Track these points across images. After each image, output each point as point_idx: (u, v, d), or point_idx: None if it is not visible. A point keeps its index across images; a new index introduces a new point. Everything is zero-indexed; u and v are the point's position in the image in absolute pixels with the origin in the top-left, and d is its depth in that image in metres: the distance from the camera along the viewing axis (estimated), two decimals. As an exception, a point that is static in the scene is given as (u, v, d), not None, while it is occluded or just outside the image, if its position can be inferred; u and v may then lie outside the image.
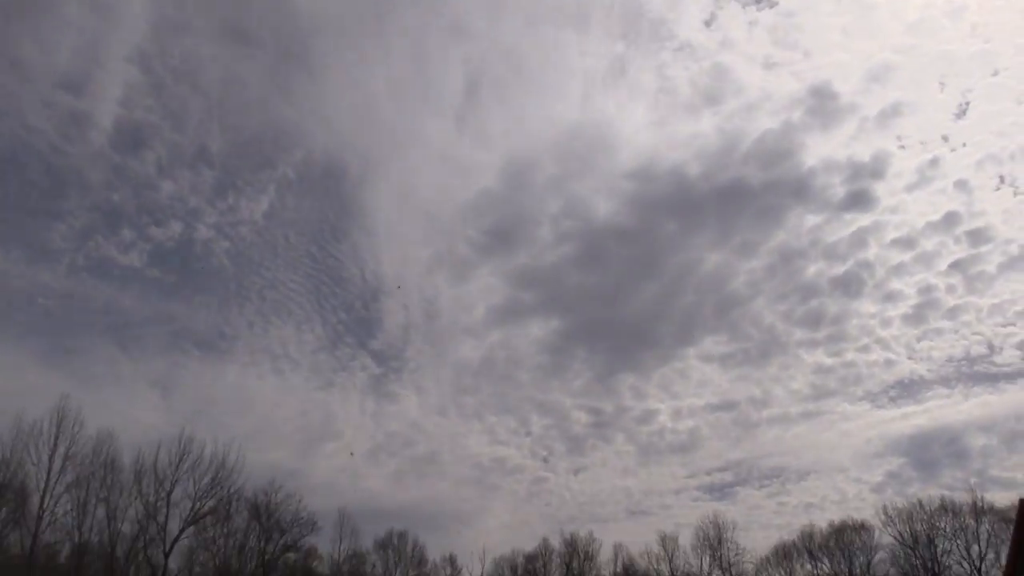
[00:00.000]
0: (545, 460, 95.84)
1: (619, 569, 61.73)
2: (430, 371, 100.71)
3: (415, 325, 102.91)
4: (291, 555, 58.63)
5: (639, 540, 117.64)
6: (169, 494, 54.19)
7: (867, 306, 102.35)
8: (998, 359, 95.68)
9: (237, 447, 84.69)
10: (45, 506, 50.26)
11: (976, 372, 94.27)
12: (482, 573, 62.48)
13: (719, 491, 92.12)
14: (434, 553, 67.66)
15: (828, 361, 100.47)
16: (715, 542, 60.49)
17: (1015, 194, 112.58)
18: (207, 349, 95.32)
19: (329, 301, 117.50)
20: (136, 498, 53.44)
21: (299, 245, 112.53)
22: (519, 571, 61.95)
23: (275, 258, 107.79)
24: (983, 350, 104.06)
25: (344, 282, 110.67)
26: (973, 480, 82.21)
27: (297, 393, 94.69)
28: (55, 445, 51.29)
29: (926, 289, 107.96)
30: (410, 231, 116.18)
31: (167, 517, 53.75)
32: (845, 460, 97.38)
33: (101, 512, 52.43)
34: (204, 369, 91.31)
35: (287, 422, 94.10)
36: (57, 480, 50.93)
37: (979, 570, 54.34)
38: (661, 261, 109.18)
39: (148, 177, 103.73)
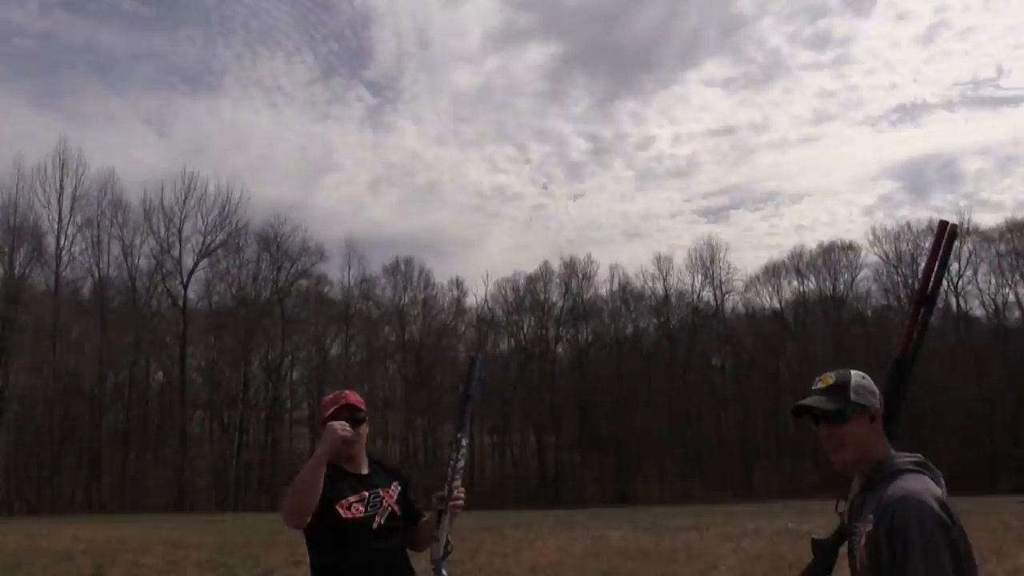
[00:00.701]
0: (544, 187, 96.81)
1: (615, 288, 65.28)
2: (427, 101, 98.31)
3: (408, 54, 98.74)
4: (303, 282, 61.58)
5: (635, 261, 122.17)
6: (180, 230, 56.00)
7: (877, 27, 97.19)
8: (1004, 82, 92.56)
9: (240, 183, 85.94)
10: (61, 246, 52.28)
11: (980, 96, 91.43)
12: (486, 294, 66.02)
13: (714, 214, 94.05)
14: (440, 277, 70.84)
15: (831, 85, 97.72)
16: (708, 262, 63.09)
17: None
18: (197, 85, 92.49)
19: (318, 30, 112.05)
20: (148, 235, 55.40)
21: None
22: (521, 291, 65.50)
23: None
24: (991, 73, 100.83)
25: (331, 9, 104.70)
26: (962, 203, 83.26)
27: (294, 127, 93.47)
28: (61, 187, 52.11)
29: (941, 8, 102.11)
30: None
31: (180, 252, 56.02)
32: (839, 184, 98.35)
33: (116, 249, 54.56)
34: (197, 106, 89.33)
35: (286, 156, 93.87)
36: (68, 221, 52.41)
37: (956, 286, 57.50)
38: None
39: None
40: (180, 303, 55.82)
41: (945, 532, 2.01)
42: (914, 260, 56.49)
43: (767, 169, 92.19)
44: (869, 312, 60.66)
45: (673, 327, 63.22)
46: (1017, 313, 57.60)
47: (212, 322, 56.62)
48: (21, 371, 50.90)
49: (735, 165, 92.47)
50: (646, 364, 61.32)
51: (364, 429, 3.25)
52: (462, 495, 3.22)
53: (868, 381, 2.27)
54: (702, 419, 60.64)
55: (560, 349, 65.05)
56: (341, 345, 62.74)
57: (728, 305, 64.14)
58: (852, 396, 2.23)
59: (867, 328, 57.33)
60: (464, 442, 3.32)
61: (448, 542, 3.15)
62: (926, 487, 2.11)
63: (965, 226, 56.60)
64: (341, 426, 3.06)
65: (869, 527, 2.11)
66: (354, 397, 3.26)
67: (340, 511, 3.06)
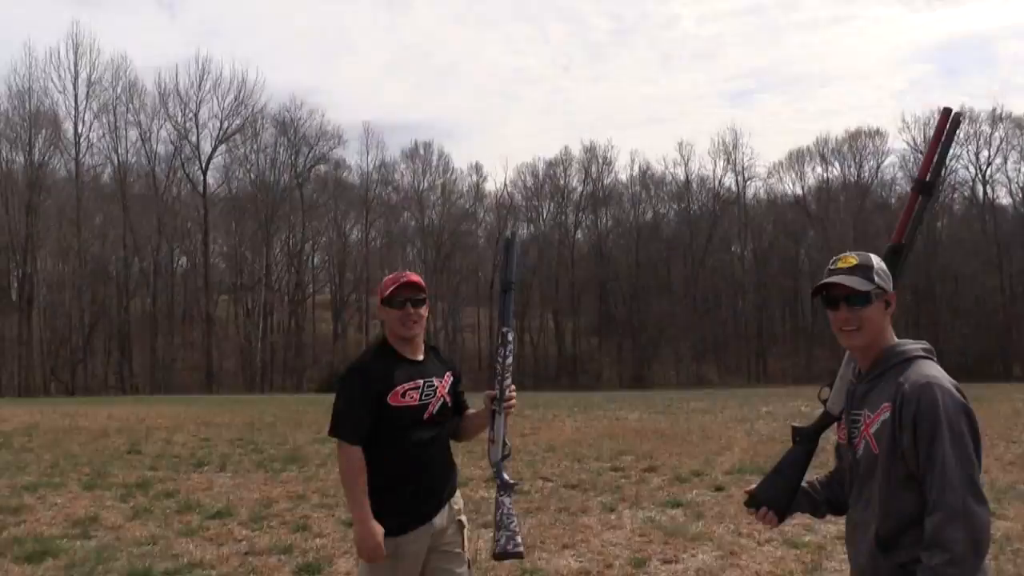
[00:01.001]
0: (565, 69, 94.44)
1: (636, 173, 64.53)
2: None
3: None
4: (321, 167, 61.38)
5: (657, 146, 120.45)
6: (196, 115, 55.57)
7: None
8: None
9: (255, 66, 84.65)
10: (79, 132, 52.14)
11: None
12: (506, 179, 65.71)
13: (739, 98, 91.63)
14: (459, 162, 70.26)
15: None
16: (731, 147, 61.92)
17: None
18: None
19: None
20: (165, 120, 55.04)
21: None
22: (540, 177, 65.02)
23: None
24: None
25: None
26: (996, 87, 79.84)
27: (307, 6, 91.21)
28: (76, 72, 51.56)
29: None
30: None
31: (198, 137, 55.76)
32: (870, 67, 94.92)
33: (134, 135, 54.35)
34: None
35: (300, 38, 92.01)
36: (85, 107, 52.07)
37: (984, 174, 56.40)
38: None
39: None
40: (200, 189, 55.98)
41: (968, 417, 2.05)
42: (942, 146, 54.94)
43: (795, 51, 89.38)
44: (893, 200, 59.68)
45: (693, 213, 62.81)
46: (1046, 201, 56.59)
47: (232, 208, 56.82)
48: (48, 257, 51.75)
49: (762, 47, 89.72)
50: (665, 250, 61.30)
51: (424, 311, 3.16)
52: (515, 394, 3.16)
53: (882, 265, 2.24)
54: (720, 305, 61.02)
55: (579, 235, 65.01)
56: (361, 230, 62.97)
57: (750, 192, 63.52)
58: (875, 279, 2.19)
59: (890, 216, 56.47)
60: (510, 337, 3.17)
61: (506, 443, 3.13)
62: (943, 373, 2.13)
63: (997, 112, 55.08)
64: (375, 548, 2.94)
65: (886, 415, 2.12)
66: (415, 277, 3.14)
67: (392, 401, 3.03)
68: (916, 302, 52.98)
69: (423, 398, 3.09)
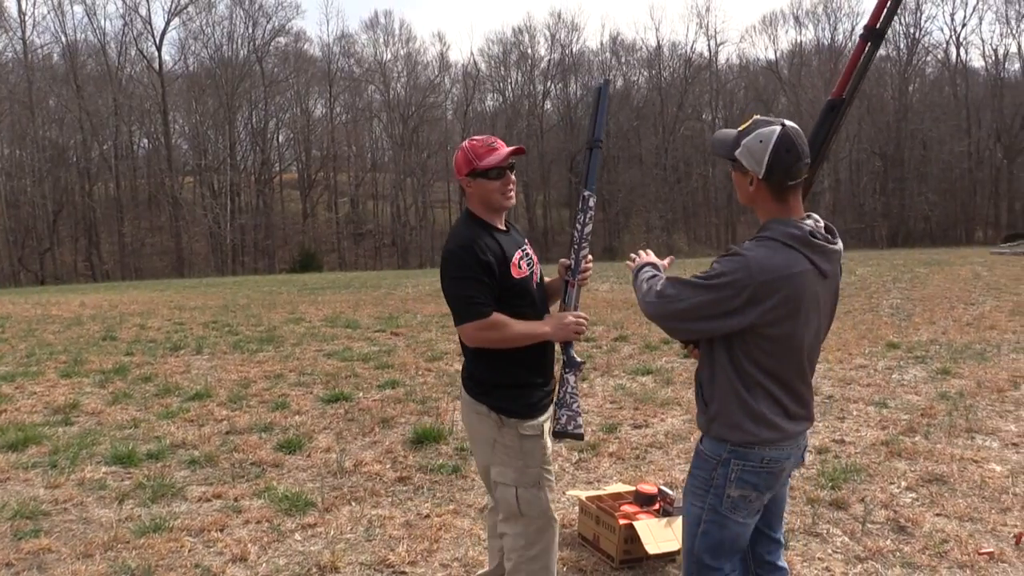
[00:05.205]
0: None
1: (606, 39, 63.05)
2: None
3: None
4: (281, 40, 59.25)
5: (627, 11, 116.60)
6: (144, -14, 53.01)
7: None
8: None
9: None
10: (23, 9, 49.59)
11: None
12: (471, 48, 63.95)
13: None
14: (422, 31, 67.89)
15: None
16: (703, 11, 60.86)
17: None
18: None
19: None
20: (111, -8, 52.56)
21: None
22: (507, 45, 63.35)
23: None
24: None
25: None
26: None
27: None
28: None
29: None
30: None
31: (149, 11, 53.39)
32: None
33: (80, 12, 52.01)
34: None
35: None
36: (27, -18, 49.37)
37: (957, 36, 55.46)
38: None
39: None
40: (155, 66, 53.91)
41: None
42: (918, 7, 53.91)
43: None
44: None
45: (664, 80, 61.78)
46: (1017, 65, 56.09)
47: (191, 85, 54.97)
48: (4, 143, 50.15)
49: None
50: (635, 119, 60.55)
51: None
52: (591, 265, 2.93)
53: (763, 144, 2.13)
54: (691, 175, 60.94)
55: (548, 105, 63.94)
56: (325, 106, 61.48)
57: (722, 57, 62.56)
58: (737, 152, 2.20)
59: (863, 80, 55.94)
60: (592, 202, 2.83)
61: None
62: (760, 256, 2.16)
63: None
64: (577, 320, 2.72)
65: None
66: (504, 144, 2.79)
67: (515, 274, 2.76)
68: (884, 167, 53.18)
69: (528, 267, 2.84)
